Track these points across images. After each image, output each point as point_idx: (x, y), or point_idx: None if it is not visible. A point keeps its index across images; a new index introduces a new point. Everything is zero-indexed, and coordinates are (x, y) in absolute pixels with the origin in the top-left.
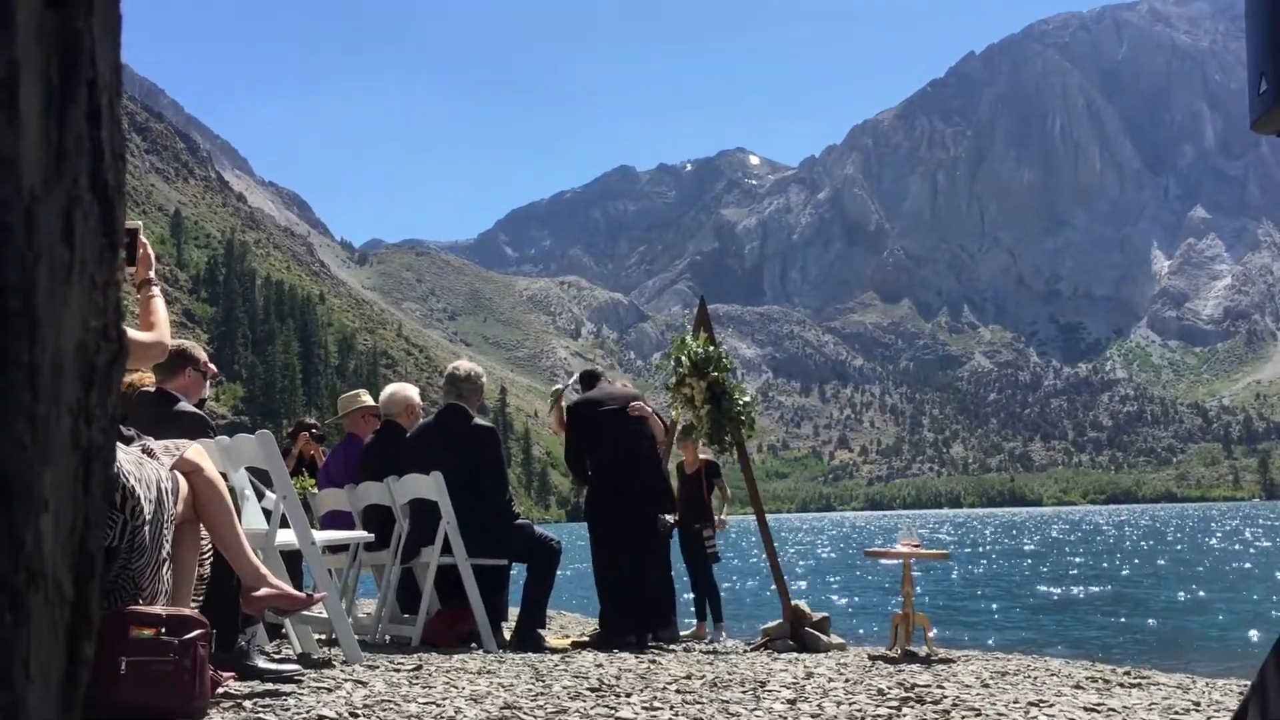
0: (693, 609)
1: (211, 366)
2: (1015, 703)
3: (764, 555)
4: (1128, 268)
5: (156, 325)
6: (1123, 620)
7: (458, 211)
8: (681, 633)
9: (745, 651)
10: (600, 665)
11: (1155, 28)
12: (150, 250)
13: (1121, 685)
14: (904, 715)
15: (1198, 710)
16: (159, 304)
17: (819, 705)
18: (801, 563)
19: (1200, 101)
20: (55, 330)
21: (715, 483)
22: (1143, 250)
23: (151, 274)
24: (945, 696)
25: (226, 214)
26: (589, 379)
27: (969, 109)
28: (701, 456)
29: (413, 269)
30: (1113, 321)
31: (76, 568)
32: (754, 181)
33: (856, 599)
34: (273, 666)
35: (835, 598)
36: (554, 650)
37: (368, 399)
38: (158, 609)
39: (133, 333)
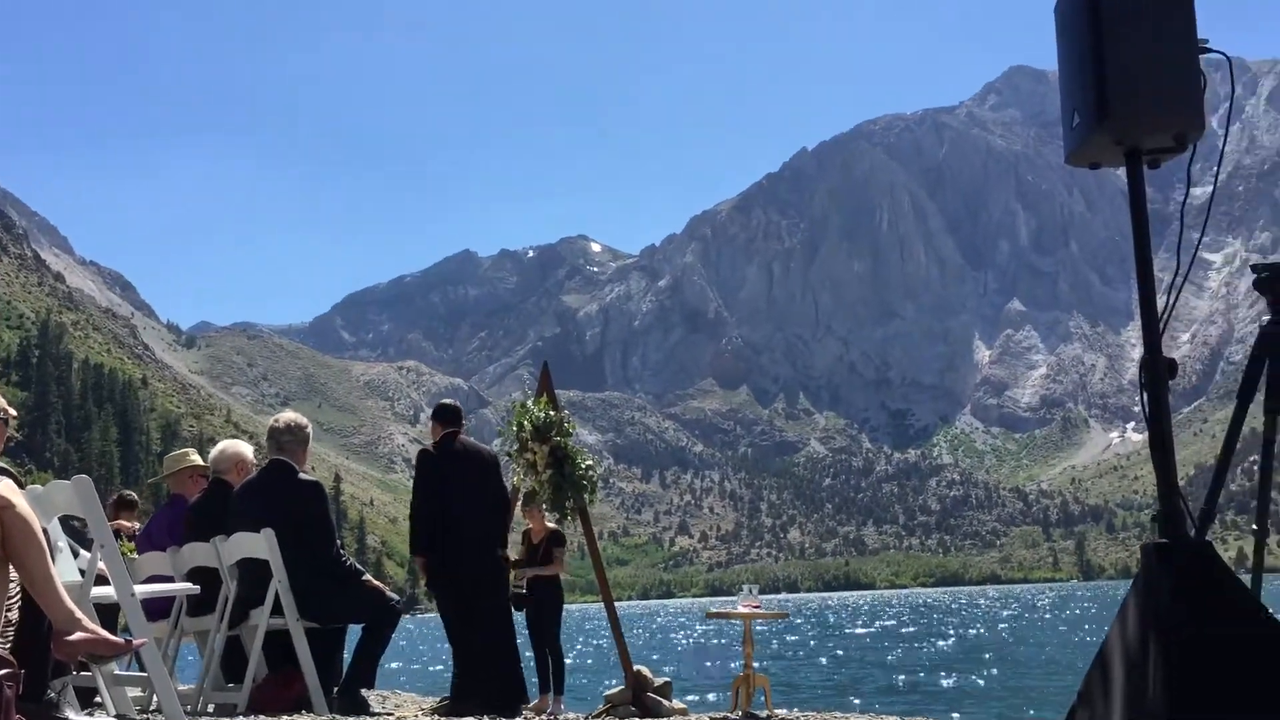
0: (535, 680)
1: (10, 409)
2: None
3: (606, 631)
4: (952, 357)
5: None
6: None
7: (292, 294)
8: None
9: (589, 718)
10: None
11: (972, 131)
12: None
13: None
14: None
15: None
16: None
17: None
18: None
19: (1015, 201)
20: None
21: (556, 552)
22: (965, 340)
23: None
24: None
25: (42, 294)
26: (449, 416)
27: (803, 202)
28: (549, 525)
29: (243, 352)
30: (939, 409)
31: None
32: (595, 268)
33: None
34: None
35: (679, 672)
36: (384, 715)
37: (196, 458)
38: None
39: None
